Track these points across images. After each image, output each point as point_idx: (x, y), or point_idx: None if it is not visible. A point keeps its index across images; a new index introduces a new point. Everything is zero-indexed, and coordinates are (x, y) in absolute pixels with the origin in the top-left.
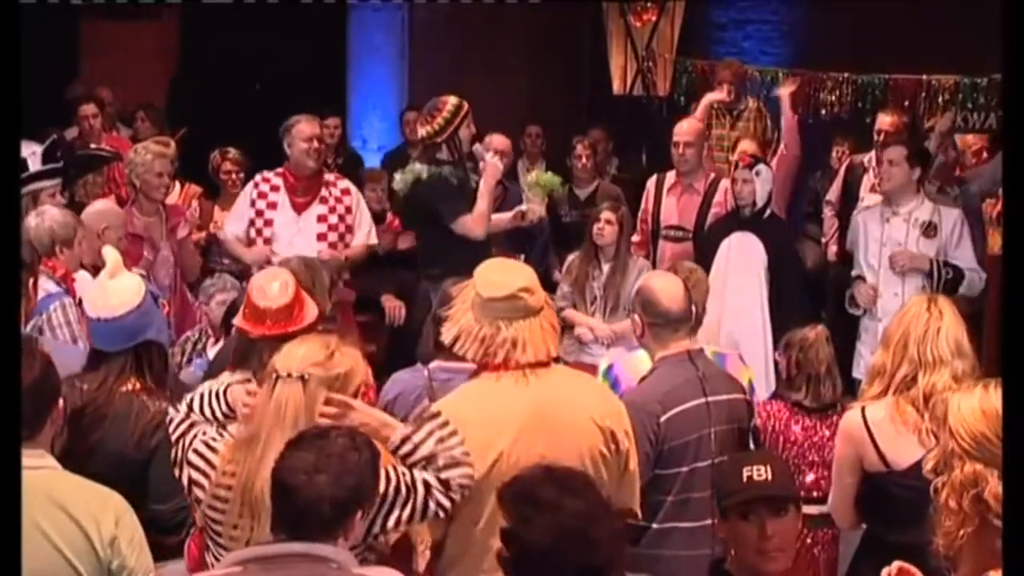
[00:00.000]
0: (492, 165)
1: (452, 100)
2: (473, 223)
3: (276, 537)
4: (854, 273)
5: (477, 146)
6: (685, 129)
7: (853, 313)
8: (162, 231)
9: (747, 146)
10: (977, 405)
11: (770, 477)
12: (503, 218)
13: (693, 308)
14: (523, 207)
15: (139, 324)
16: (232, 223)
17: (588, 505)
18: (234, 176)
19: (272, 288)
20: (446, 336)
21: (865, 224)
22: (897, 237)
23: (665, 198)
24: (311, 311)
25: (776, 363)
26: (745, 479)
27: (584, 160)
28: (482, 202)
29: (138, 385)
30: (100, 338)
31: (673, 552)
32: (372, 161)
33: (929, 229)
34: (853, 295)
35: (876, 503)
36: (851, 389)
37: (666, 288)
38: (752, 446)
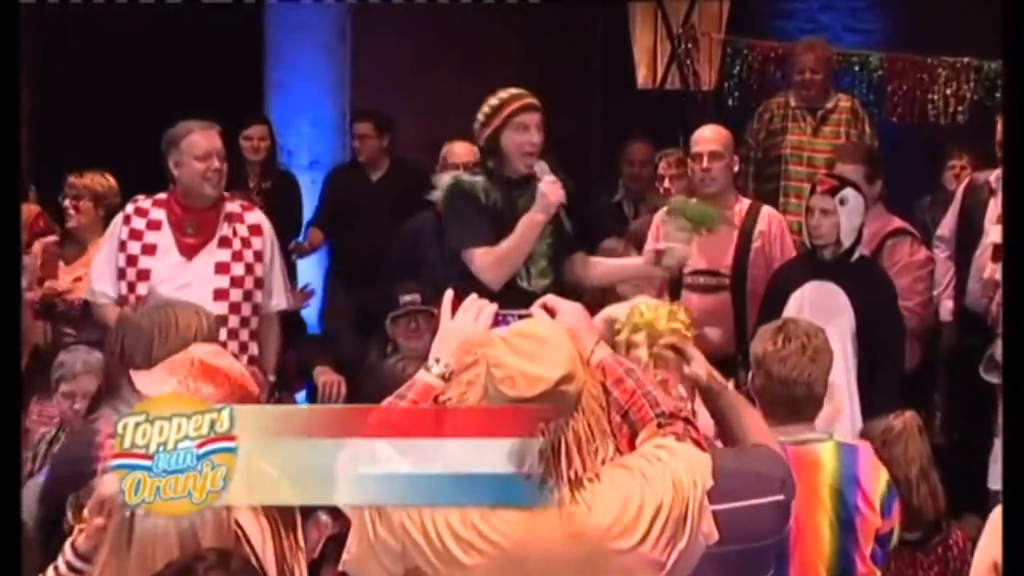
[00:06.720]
0: (545, 194)
1: (499, 94)
2: (488, 263)
3: None
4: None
5: (539, 163)
6: (708, 136)
7: (990, 381)
8: None
9: (849, 169)
10: None
11: None
12: (627, 265)
13: (807, 386)
14: (661, 245)
15: None
16: (98, 278)
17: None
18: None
19: None
20: None
21: None
22: None
23: None
24: None
25: None
26: None
27: (668, 183)
28: (510, 240)
29: None
30: None
31: None
32: (303, 181)
33: None
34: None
35: None
36: (978, 504)
37: None
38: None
